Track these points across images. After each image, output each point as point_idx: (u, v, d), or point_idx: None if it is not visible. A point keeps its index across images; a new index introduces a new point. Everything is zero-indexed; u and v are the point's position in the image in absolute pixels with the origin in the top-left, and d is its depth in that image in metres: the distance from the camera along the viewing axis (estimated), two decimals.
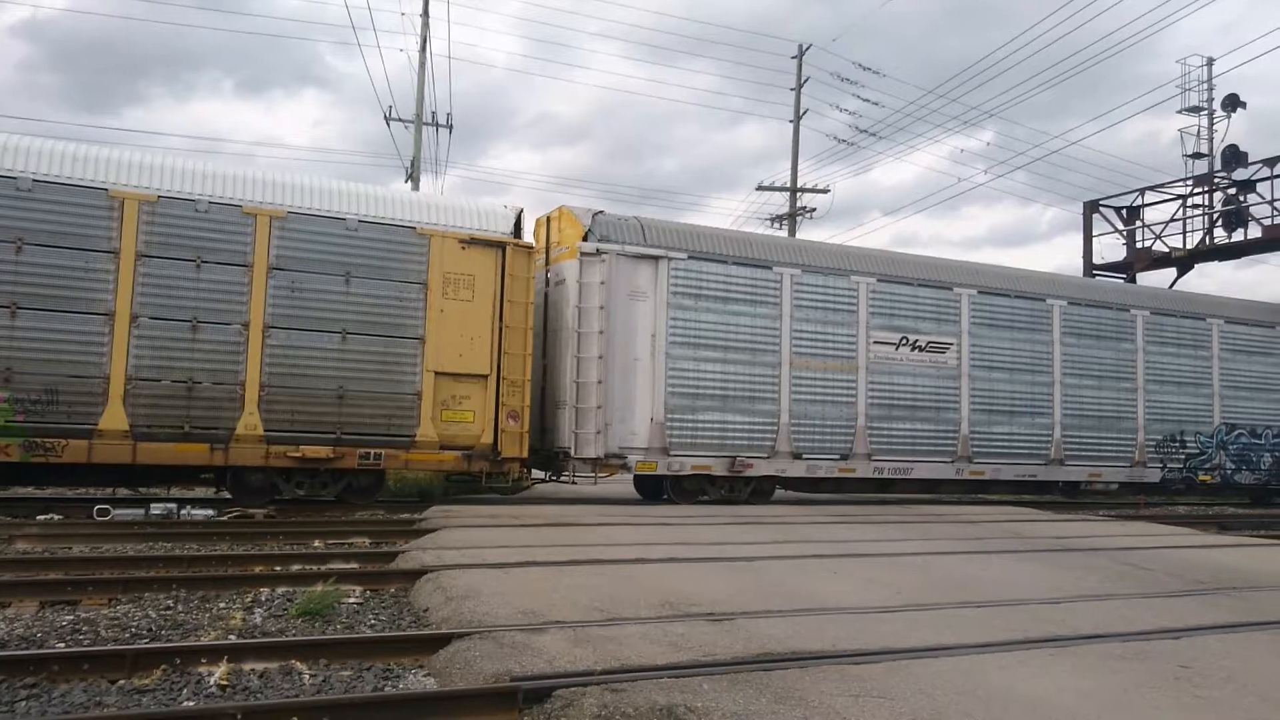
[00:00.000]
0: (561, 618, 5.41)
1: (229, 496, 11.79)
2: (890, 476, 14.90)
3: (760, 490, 14.21)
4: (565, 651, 4.64)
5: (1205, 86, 25.99)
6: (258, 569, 7.46)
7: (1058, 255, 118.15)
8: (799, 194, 31.64)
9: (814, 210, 31.66)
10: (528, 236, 13.39)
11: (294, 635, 5.47)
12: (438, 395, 12.03)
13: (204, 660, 4.67)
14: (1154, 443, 17.15)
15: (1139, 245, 24.65)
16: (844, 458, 14.48)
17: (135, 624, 5.64)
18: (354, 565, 7.66)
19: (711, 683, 4.18)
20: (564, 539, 9.04)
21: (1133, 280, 23.76)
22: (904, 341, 14.97)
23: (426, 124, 25.31)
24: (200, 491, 12.92)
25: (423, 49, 24.90)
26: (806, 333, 14.28)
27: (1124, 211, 25.10)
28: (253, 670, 4.69)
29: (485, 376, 12.30)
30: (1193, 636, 5.53)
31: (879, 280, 14.87)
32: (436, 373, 12.02)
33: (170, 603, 6.21)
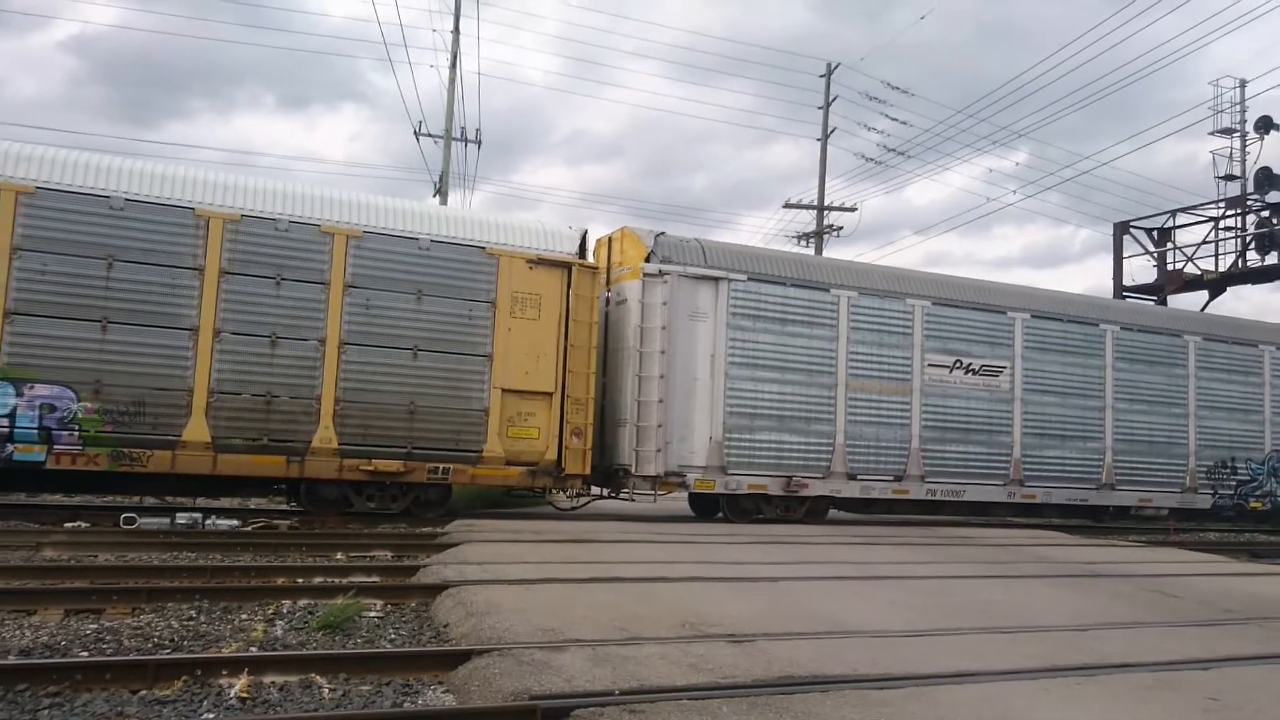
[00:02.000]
0: (581, 636, 5.38)
1: (300, 508, 12.06)
2: (943, 499, 14.97)
3: (814, 510, 14.32)
4: (584, 670, 4.62)
5: (1238, 109, 25.91)
6: (280, 580, 7.53)
7: (1090, 276, 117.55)
8: (826, 212, 31.82)
9: (841, 228, 31.83)
10: (590, 257, 13.62)
11: (314, 648, 5.48)
12: (504, 412, 12.27)
13: (225, 672, 4.68)
14: (1205, 469, 17.11)
15: (1170, 267, 24.53)
16: (898, 479, 14.58)
17: (158, 634, 5.66)
18: (375, 578, 7.71)
19: (731, 705, 4.16)
20: (585, 556, 9.05)
21: (1163, 302, 23.70)
22: (958, 364, 15.07)
23: (456, 139, 25.64)
24: (222, 504, 13.19)
25: (453, 65, 25.23)
26: (862, 355, 14.42)
27: (1155, 233, 24.99)
28: (273, 683, 4.68)
29: (550, 394, 12.53)
30: (1223, 667, 5.43)
31: (934, 303, 14.99)
32: (503, 390, 12.27)
33: (193, 613, 6.23)
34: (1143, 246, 25.02)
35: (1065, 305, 16.34)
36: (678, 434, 13.31)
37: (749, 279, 13.78)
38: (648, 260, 13.39)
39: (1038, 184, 76.83)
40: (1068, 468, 15.86)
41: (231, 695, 4.46)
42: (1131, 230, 25.16)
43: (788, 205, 32.01)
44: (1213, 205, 24.35)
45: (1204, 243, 24.05)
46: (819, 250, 31.26)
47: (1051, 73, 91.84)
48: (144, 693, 4.45)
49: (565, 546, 9.71)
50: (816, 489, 14.04)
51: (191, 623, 5.99)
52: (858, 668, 4.95)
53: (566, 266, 12.74)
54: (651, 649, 5.14)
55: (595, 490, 14.01)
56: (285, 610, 6.45)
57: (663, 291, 13.29)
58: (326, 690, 4.64)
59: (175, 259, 10.97)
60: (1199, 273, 23.88)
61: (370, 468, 11.58)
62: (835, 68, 31.94)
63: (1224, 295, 24.42)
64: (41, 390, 10.36)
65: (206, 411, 10.95)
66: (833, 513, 14.92)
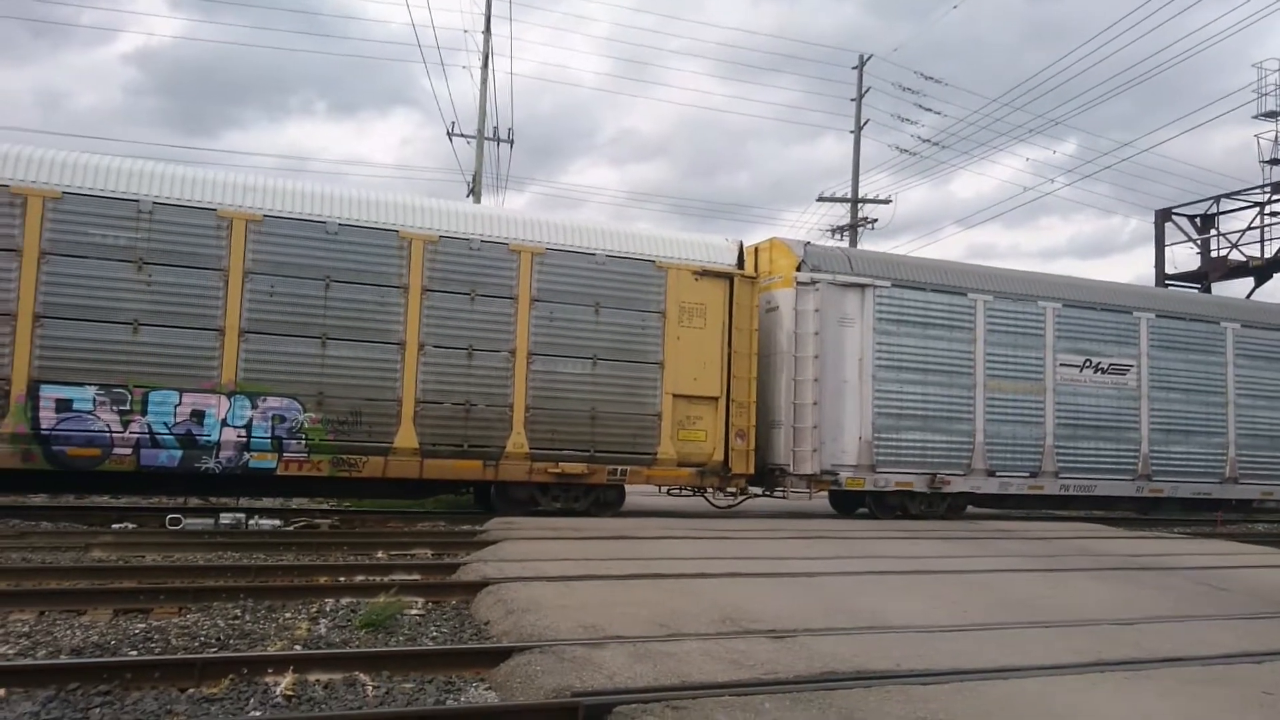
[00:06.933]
0: (622, 632, 5.38)
1: (483, 510, 12.86)
2: (1075, 494, 15.50)
3: (954, 506, 14.92)
4: (626, 667, 4.61)
5: None
6: (322, 580, 7.58)
7: (1139, 265, 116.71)
8: (861, 204, 32.25)
9: (875, 221, 32.31)
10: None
11: (358, 647, 5.54)
12: (675, 416, 13.01)
13: (270, 670, 4.72)
14: None
15: (1214, 254, 24.41)
16: (1033, 475, 15.12)
17: (204, 633, 5.75)
18: (416, 576, 7.75)
19: (774, 701, 4.13)
20: (624, 552, 9.02)
21: (1207, 290, 23.58)
22: (1088, 363, 15.58)
23: (488, 139, 26.17)
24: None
25: (485, 65, 25.78)
26: (998, 356, 14.99)
27: (1198, 220, 24.88)
28: (317, 681, 4.71)
29: (716, 398, 13.24)
30: (1276, 661, 5.33)
31: (1064, 305, 15.53)
32: (674, 395, 13.00)
33: (238, 612, 6.29)
34: (1185, 233, 24.82)
35: (1188, 304, 16.81)
36: (830, 434, 13.97)
37: (893, 285, 14.40)
38: (799, 269, 14.05)
39: (1082, 172, 76.44)
40: (1192, 463, 16.31)
41: (277, 693, 4.53)
42: (1174, 217, 25.03)
43: (821, 199, 32.65)
44: (1258, 190, 24.17)
45: (1249, 229, 23.86)
46: (854, 242, 31.80)
47: (1097, 54, 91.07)
48: (192, 691, 4.54)
49: (604, 543, 9.75)
50: (958, 485, 14.63)
51: (237, 622, 6.08)
52: (901, 663, 4.90)
53: (729, 277, 13.45)
54: (692, 645, 5.16)
55: (751, 490, 14.68)
56: (328, 609, 6.54)
57: (815, 299, 13.96)
58: (370, 688, 4.69)
59: (383, 278, 11.80)
60: (1244, 259, 23.71)
61: (557, 470, 12.35)
62: (868, 59, 32.42)
63: (1270, 283, 24.33)
64: (273, 402, 11.24)
65: (414, 420, 11.78)
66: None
